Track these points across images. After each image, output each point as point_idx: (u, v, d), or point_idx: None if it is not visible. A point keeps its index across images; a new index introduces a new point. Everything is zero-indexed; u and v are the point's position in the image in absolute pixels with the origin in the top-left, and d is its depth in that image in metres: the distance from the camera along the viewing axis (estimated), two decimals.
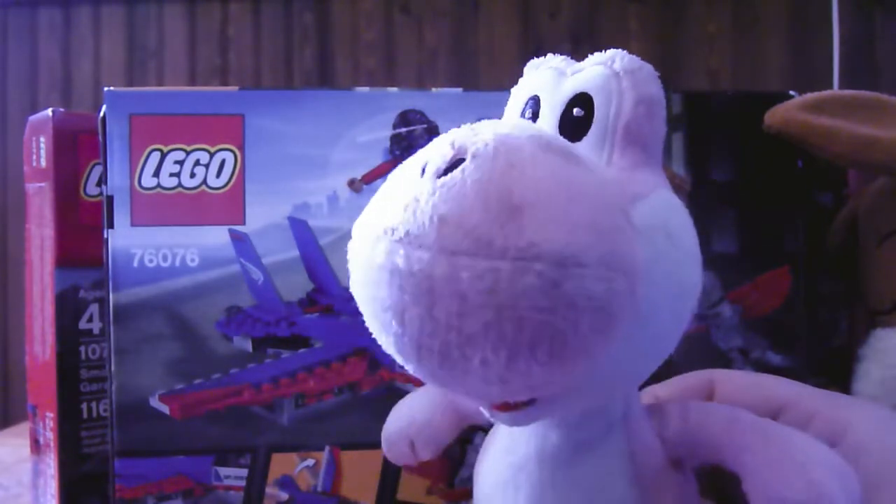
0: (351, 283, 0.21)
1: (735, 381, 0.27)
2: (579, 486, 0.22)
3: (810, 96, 0.35)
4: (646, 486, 0.22)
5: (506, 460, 0.24)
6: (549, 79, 0.23)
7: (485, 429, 0.27)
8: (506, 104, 0.25)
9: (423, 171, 0.19)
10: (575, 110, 0.22)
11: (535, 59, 0.25)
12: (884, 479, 0.21)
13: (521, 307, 0.17)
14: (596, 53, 0.22)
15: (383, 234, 0.19)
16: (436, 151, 0.20)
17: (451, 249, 0.18)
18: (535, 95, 0.23)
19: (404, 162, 0.21)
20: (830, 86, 0.97)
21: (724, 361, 0.36)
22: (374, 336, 0.21)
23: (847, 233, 0.39)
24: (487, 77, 1.08)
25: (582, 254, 0.18)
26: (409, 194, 0.19)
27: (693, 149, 0.36)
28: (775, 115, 0.36)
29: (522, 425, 0.22)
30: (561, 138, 0.21)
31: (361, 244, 0.20)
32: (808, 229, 0.37)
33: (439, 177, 0.19)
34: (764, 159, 0.37)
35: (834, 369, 0.37)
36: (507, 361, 0.18)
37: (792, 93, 0.37)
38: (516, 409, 0.20)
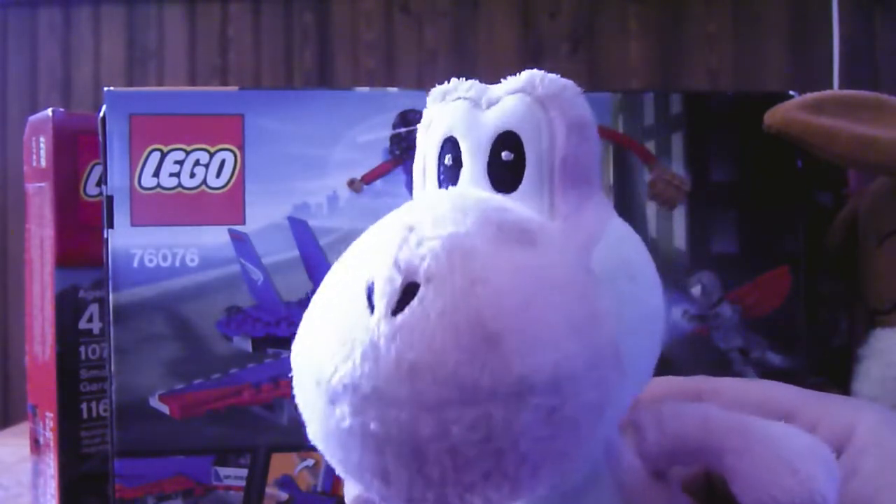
0: (309, 433, 0.19)
1: (726, 393, 0.26)
2: None
3: (810, 96, 0.35)
4: None
5: None
6: (463, 114, 0.21)
7: None
8: None
9: (370, 301, 0.17)
10: (503, 154, 0.19)
11: (437, 88, 0.22)
12: (887, 480, 0.21)
13: (521, 445, 0.16)
14: (509, 78, 0.20)
15: (342, 391, 0.16)
16: (380, 276, 0.17)
17: (432, 403, 0.16)
18: (451, 137, 0.21)
19: (333, 277, 0.19)
20: (830, 86, 0.97)
21: (724, 361, 0.36)
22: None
23: (847, 233, 0.39)
24: (487, 77, 1.08)
25: (573, 368, 0.16)
26: (362, 337, 0.16)
27: (693, 149, 0.36)
28: (775, 115, 0.35)
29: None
30: (505, 208, 0.19)
31: (313, 399, 0.18)
32: (808, 229, 0.37)
33: (394, 312, 0.16)
34: (764, 159, 0.37)
35: (834, 369, 0.37)
36: (511, 492, 0.17)
37: (792, 93, 0.37)
38: None
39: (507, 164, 0.19)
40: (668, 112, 0.36)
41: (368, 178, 0.35)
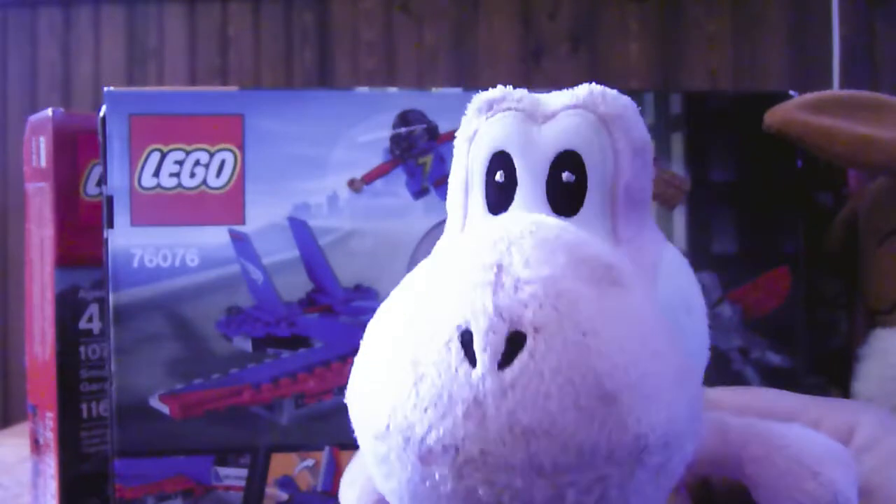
0: (386, 487, 0.17)
1: (726, 403, 0.26)
2: None
3: (810, 96, 0.35)
4: None
5: None
6: (516, 128, 0.19)
7: None
8: None
9: (466, 348, 0.16)
10: (564, 175, 0.19)
11: (481, 95, 0.20)
12: (886, 476, 0.21)
13: (631, 503, 0.16)
14: (563, 91, 0.19)
15: (441, 452, 0.15)
16: (479, 323, 0.15)
17: (548, 469, 0.15)
18: (503, 152, 0.20)
19: (412, 324, 0.17)
20: (830, 86, 0.97)
21: (724, 362, 0.36)
22: None
23: (847, 233, 0.39)
24: (487, 77, 1.08)
25: (679, 423, 0.16)
26: (462, 394, 0.15)
27: (693, 149, 0.36)
28: (775, 115, 0.35)
29: None
30: (586, 241, 0.18)
31: (396, 455, 0.16)
32: (808, 229, 0.37)
33: (500, 366, 0.15)
34: (764, 159, 0.37)
35: (834, 369, 0.37)
36: None
37: (792, 93, 0.37)
38: None
39: (567, 185, 0.19)
40: (667, 112, 0.36)
41: (368, 178, 0.35)
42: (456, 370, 0.15)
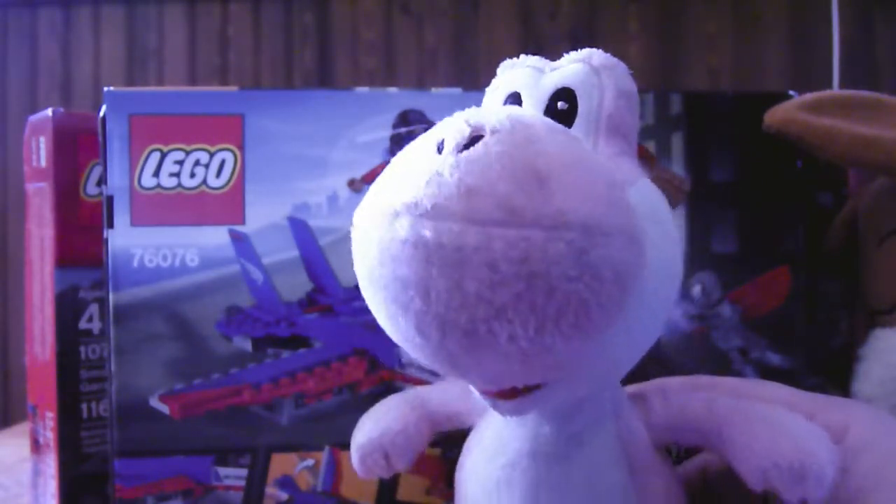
0: (361, 267, 0.20)
1: (723, 388, 0.26)
2: (574, 477, 0.23)
3: (810, 96, 0.35)
4: (636, 472, 0.23)
5: (495, 462, 0.24)
6: (528, 76, 0.24)
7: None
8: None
9: (440, 147, 0.19)
10: (559, 104, 0.22)
11: (507, 61, 0.25)
12: (881, 478, 0.21)
13: (552, 276, 0.18)
14: (571, 53, 0.23)
15: (404, 211, 0.19)
16: (451, 129, 0.20)
17: (481, 220, 0.18)
18: (515, 92, 0.24)
19: (410, 144, 0.21)
20: (830, 86, 0.97)
21: (724, 361, 0.36)
22: (384, 325, 0.20)
23: (847, 233, 0.39)
24: (487, 77, 1.07)
25: (606, 223, 0.18)
26: (429, 169, 0.19)
27: (693, 149, 0.36)
28: (775, 115, 0.35)
29: (524, 414, 0.22)
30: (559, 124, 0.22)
31: (375, 224, 0.20)
32: (808, 229, 0.37)
33: (460, 151, 0.19)
34: (764, 159, 0.37)
35: (834, 369, 0.37)
36: (535, 334, 0.18)
37: (792, 93, 0.37)
38: (523, 394, 0.20)
39: (561, 112, 0.22)
40: (668, 112, 0.36)
41: (368, 178, 0.35)
42: (427, 159, 0.19)
